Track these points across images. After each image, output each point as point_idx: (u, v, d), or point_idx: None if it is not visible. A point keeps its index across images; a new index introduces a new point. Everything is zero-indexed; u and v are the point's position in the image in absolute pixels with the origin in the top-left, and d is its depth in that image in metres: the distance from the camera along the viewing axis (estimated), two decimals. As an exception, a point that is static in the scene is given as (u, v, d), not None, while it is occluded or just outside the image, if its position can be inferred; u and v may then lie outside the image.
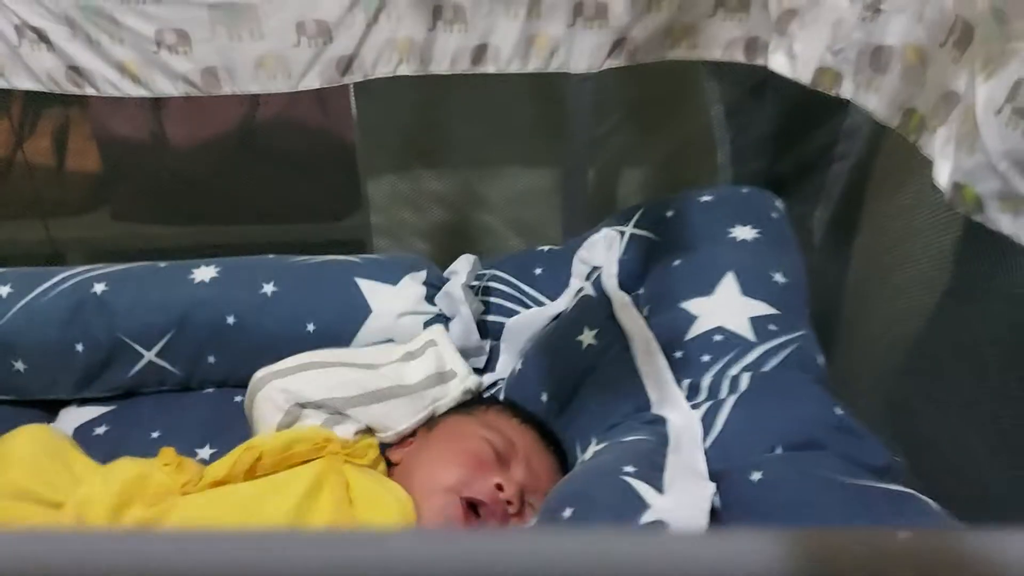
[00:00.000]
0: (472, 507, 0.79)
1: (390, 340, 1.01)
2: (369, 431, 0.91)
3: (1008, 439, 0.72)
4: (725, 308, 0.91)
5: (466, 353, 1.00)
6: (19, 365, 0.99)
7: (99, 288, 1.01)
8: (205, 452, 0.95)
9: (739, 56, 1.07)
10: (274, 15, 1.07)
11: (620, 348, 0.89)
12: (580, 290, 1.02)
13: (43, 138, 1.62)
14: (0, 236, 1.52)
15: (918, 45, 0.79)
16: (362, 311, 1.02)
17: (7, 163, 1.60)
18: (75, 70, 1.10)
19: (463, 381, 0.95)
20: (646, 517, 0.61)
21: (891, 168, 0.96)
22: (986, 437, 0.76)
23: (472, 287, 1.06)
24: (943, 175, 0.71)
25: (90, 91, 1.12)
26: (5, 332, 0.99)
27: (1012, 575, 0.28)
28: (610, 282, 0.99)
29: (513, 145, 1.29)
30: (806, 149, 1.08)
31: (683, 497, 0.64)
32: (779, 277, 0.94)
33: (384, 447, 0.91)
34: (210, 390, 1.05)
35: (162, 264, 1.07)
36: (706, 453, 0.75)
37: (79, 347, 0.99)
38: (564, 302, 1.03)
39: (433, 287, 1.06)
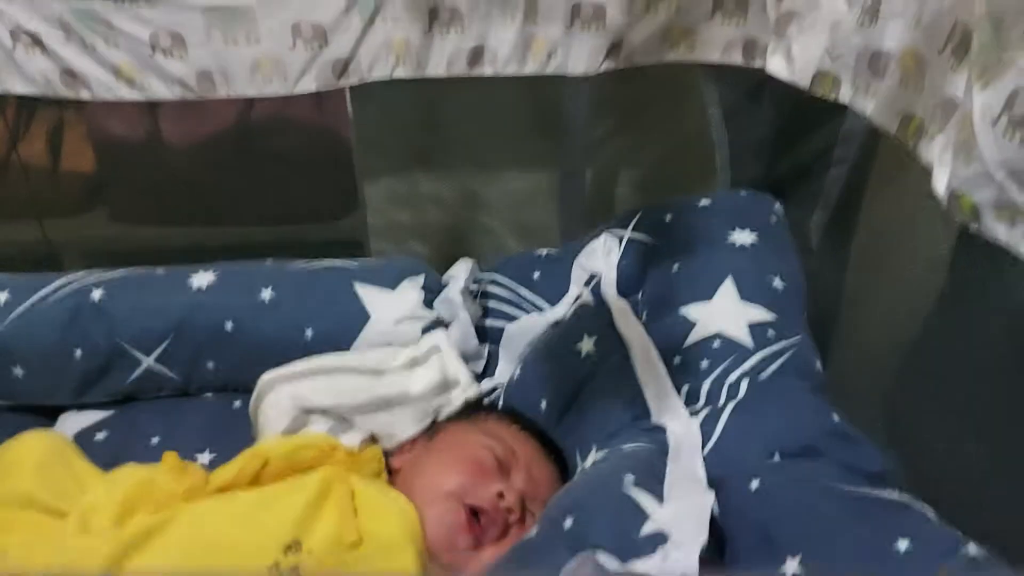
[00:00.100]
0: (474, 514, 0.79)
1: (389, 345, 1.01)
2: (373, 439, 0.91)
3: (1003, 445, 0.73)
4: (724, 314, 0.91)
5: (465, 358, 1.00)
6: (18, 371, 0.99)
7: (97, 294, 1.01)
8: (205, 457, 0.95)
9: (737, 58, 1.07)
10: (269, 18, 1.06)
11: (619, 356, 0.89)
12: (579, 297, 1.02)
13: (38, 138, 1.62)
14: (-4, 237, 1.52)
15: (916, 51, 0.79)
16: (360, 317, 1.02)
17: (2, 164, 1.59)
18: (70, 73, 1.10)
19: (465, 390, 0.96)
20: (646, 528, 0.62)
21: (888, 173, 0.96)
22: (981, 442, 0.76)
23: (470, 291, 1.06)
24: (941, 183, 0.71)
25: (85, 94, 1.12)
26: (4, 338, 0.99)
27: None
28: (609, 290, 0.99)
29: (511, 147, 1.29)
30: (804, 153, 1.08)
31: (683, 507, 0.65)
32: (777, 282, 0.94)
33: (385, 454, 0.91)
34: (209, 395, 1.05)
35: (160, 270, 1.07)
36: (705, 460, 0.76)
37: (78, 353, 0.99)
38: (563, 309, 1.03)
39: (431, 292, 1.06)
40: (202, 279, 1.04)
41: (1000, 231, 0.63)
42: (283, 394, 0.89)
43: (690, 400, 0.85)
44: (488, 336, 1.07)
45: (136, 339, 1.00)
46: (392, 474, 0.87)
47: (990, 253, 0.64)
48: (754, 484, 0.70)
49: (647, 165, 1.31)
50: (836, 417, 0.79)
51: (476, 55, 1.10)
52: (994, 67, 0.64)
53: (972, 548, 0.60)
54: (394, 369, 0.96)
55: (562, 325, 0.99)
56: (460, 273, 1.06)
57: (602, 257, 1.04)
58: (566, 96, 1.20)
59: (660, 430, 0.79)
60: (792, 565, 0.63)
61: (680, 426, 0.79)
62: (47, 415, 1.03)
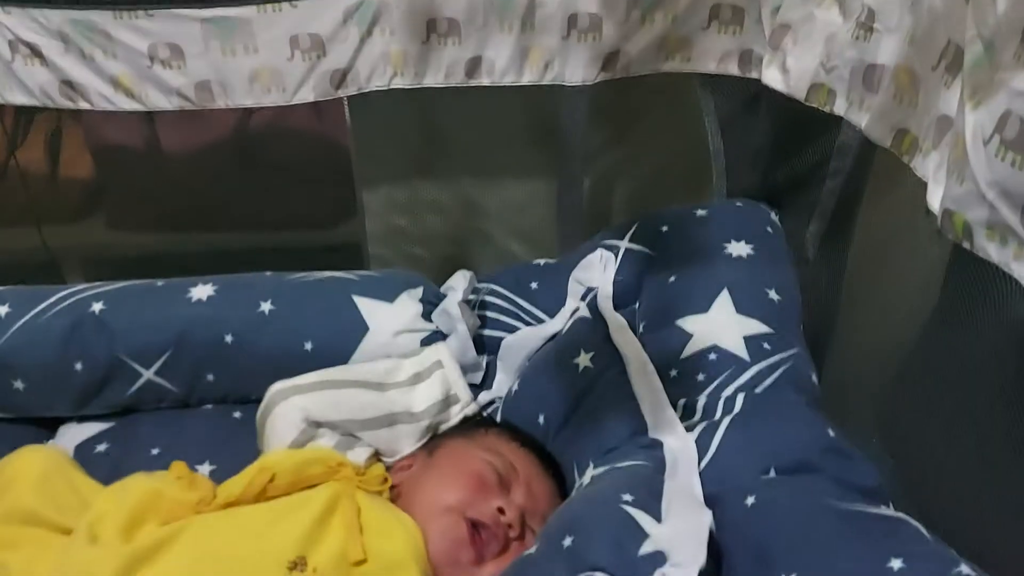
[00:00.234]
0: (474, 528, 0.79)
1: (388, 358, 1.02)
2: (377, 455, 0.92)
3: (993, 460, 0.73)
4: (720, 326, 0.91)
5: (463, 369, 1.01)
6: (18, 384, 1.00)
7: (97, 307, 1.02)
8: (205, 468, 0.96)
9: (733, 69, 1.08)
10: (268, 29, 1.07)
11: (616, 371, 0.90)
12: (576, 311, 1.03)
13: (36, 145, 1.62)
14: (-5, 243, 1.52)
15: (910, 66, 0.79)
16: (359, 329, 1.02)
17: (0, 170, 1.60)
18: (69, 84, 1.11)
19: (464, 407, 0.97)
20: (645, 547, 0.62)
21: (883, 187, 0.97)
22: (972, 456, 0.77)
23: (468, 301, 1.07)
24: (935, 200, 0.72)
25: (84, 105, 1.12)
26: (4, 352, 0.99)
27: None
28: (605, 304, 1.00)
29: (509, 154, 1.29)
30: (800, 163, 1.09)
31: (681, 526, 0.65)
32: (773, 294, 0.95)
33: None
34: (209, 407, 1.05)
35: (159, 282, 1.08)
36: (701, 475, 0.76)
37: (78, 366, 1.00)
38: (560, 322, 1.04)
39: (430, 304, 1.06)
40: (202, 291, 1.05)
41: (992, 250, 0.63)
42: (292, 406, 0.90)
43: (687, 414, 0.85)
44: (486, 347, 1.07)
45: (136, 352, 1.00)
46: (392, 489, 0.87)
47: (985, 267, 0.65)
48: (750, 500, 0.70)
49: (644, 174, 1.31)
50: (831, 432, 0.80)
51: (474, 65, 1.10)
52: (985, 87, 0.64)
53: (965, 568, 0.60)
54: (398, 384, 0.96)
55: (559, 339, 1.00)
56: (458, 285, 1.07)
57: (598, 271, 1.05)
58: (563, 105, 1.20)
59: (657, 445, 0.80)
60: (787, 582, 0.63)
61: (677, 441, 0.80)
62: (47, 426, 1.04)
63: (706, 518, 0.67)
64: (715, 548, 0.67)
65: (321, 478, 0.82)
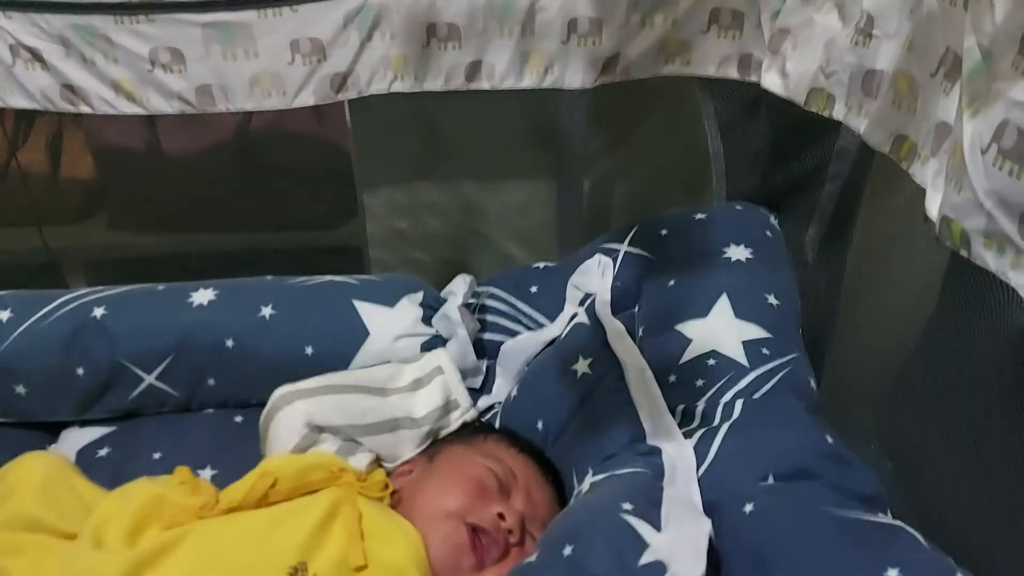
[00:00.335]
0: (475, 532, 0.80)
1: (388, 363, 1.02)
2: (378, 461, 0.92)
3: (990, 466, 0.74)
4: (719, 331, 0.92)
5: (463, 374, 1.01)
6: (20, 389, 1.00)
7: (99, 312, 1.02)
8: (206, 473, 0.96)
9: (732, 73, 1.08)
10: (268, 33, 1.07)
11: (615, 378, 0.90)
12: (574, 316, 1.03)
13: (37, 147, 1.62)
14: (-3, 244, 1.53)
15: (909, 73, 0.79)
16: (360, 334, 1.03)
17: (2, 171, 1.60)
18: (70, 88, 1.11)
19: (463, 413, 0.97)
20: (646, 557, 0.63)
21: (882, 191, 0.97)
22: (969, 462, 0.77)
23: (468, 305, 1.07)
24: (933, 207, 0.72)
25: (85, 109, 1.13)
26: (6, 357, 0.99)
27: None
28: (603, 310, 1.00)
29: (509, 157, 1.30)
30: (799, 167, 1.09)
31: (680, 535, 0.65)
32: (772, 299, 0.95)
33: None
34: (210, 411, 1.06)
35: (160, 287, 1.08)
36: (700, 482, 0.77)
37: (80, 371, 1.00)
38: (558, 327, 1.04)
39: (430, 308, 1.07)
40: (203, 296, 1.05)
41: (989, 259, 0.64)
42: (296, 411, 0.90)
43: (685, 420, 0.86)
44: (486, 351, 1.08)
45: (137, 357, 1.01)
46: (392, 495, 0.88)
47: (982, 274, 0.65)
48: (748, 508, 0.70)
49: (644, 177, 1.31)
50: (829, 439, 0.80)
51: (474, 69, 1.11)
52: (983, 95, 0.64)
53: (961, 576, 0.61)
54: (399, 389, 0.97)
55: (557, 345, 1.00)
56: (458, 289, 1.07)
57: (596, 277, 1.05)
58: (563, 108, 1.20)
59: (656, 452, 0.80)
60: (785, 590, 0.63)
61: (675, 448, 0.80)
62: (50, 431, 1.04)
63: (705, 527, 0.67)
64: (714, 556, 0.67)
65: (323, 484, 0.83)
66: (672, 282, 1.00)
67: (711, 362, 0.89)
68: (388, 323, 1.04)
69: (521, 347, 1.04)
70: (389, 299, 1.06)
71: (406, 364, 1.00)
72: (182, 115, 1.15)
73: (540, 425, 0.93)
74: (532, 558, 0.69)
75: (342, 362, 1.01)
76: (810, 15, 0.93)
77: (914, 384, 0.88)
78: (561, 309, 1.08)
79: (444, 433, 0.97)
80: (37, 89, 1.11)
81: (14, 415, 1.03)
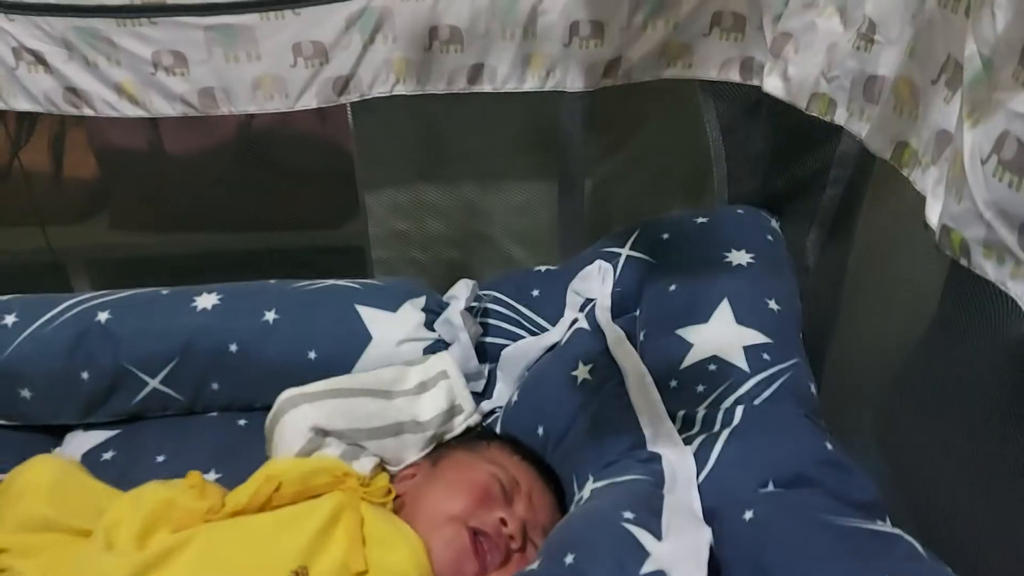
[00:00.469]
0: (477, 536, 0.80)
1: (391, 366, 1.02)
2: (381, 465, 0.93)
3: (988, 473, 0.74)
4: (720, 336, 0.92)
5: (465, 378, 1.02)
6: (25, 393, 1.01)
7: (103, 316, 1.03)
8: (210, 477, 0.97)
9: (734, 76, 1.08)
10: (270, 36, 1.07)
11: (615, 383, 0.90)
12: (574, 322, 1.03)
13: (40, 147, 1.62)
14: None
15: (910, 79, 0.79)
16: (362, 338, 1.03)
17: (4, 171, 1.60)
18: (73, 91, 1.11)
19: (467, 418, 0.98)
20: (647, 566, 0.63)
21: (883, 196, 0.97)
22: (968, 469, 0.77)
23: (470, 309, 1.07)
24: (934, 215, 0.72)
25: (88, 112, 1.13)
26: (11, 361, 1.00)
27: None
28: (603, 316, 1.00)
29: (510, 159, 1.30)
30: (800, 171, 1.09)
31: (681, 544, 0.66)
32: (773, 304, 0.95)
33: (386, 478, 0.93)
34: (214, 414, 1.06)
35: (165, 291, 1.08)
36: (700, 488, 0.77)
37: (84, 375, 1.01)
38: (558, 333, 1.04)
39: (433, 313, 1.07)
40: (206, 300, 1.05)
41: (988, 268, 0.64)
42: (301, 414, 0.91)
43: (686, 426, 0.86)
44: (488, 355, 1.08)
45: (142, 361, 1.01)
46: (395, 499, 0.88)
47: (982, 282, 0.65)
48: (748, 515, 0.71)
49: (645, 179, 1.32)
50: (829, 445, 0.80)
51: (476, 72, 1.11)
52: (984, 105, 0.64)
53: (958, 586, 0.61)
54: (404, 392, 0.97)
55: (558, 351, 1.01)
56: (460, 294, 1.07)
57: (597, 283, 1.05)
58: (564, 110, 1.20)
59: (656, 459, 0.80)
60: (785, 598, 0.64)
61: (675, 454, 0.80)
62: (54, 434, 1.05)
63: (705, 536, 0.67)
64: (714, 563, 0.68)
65: (326, 488, 0.83)
66: (673, 287, 1.00)
67: (712, 367, 0.89)
68: (391, 327, 1.04)
69: (522, 352, 1.04)
70: (392, 304, 1.07)
71: (411, 366, 1.00)
72: (185, 117, 1.15)
73: (540, 431, 0.93)
74: (533, 566, 0.70)
75: (345, 366, 1.02)
76: (812, 19, 0.93)
77: (913, 389, 0.88)
78: (563, 313, 1.08)
79: (448, 437, 0.97)
80: (40, 91, 1.11)
81: (19, 419, 1.03)
